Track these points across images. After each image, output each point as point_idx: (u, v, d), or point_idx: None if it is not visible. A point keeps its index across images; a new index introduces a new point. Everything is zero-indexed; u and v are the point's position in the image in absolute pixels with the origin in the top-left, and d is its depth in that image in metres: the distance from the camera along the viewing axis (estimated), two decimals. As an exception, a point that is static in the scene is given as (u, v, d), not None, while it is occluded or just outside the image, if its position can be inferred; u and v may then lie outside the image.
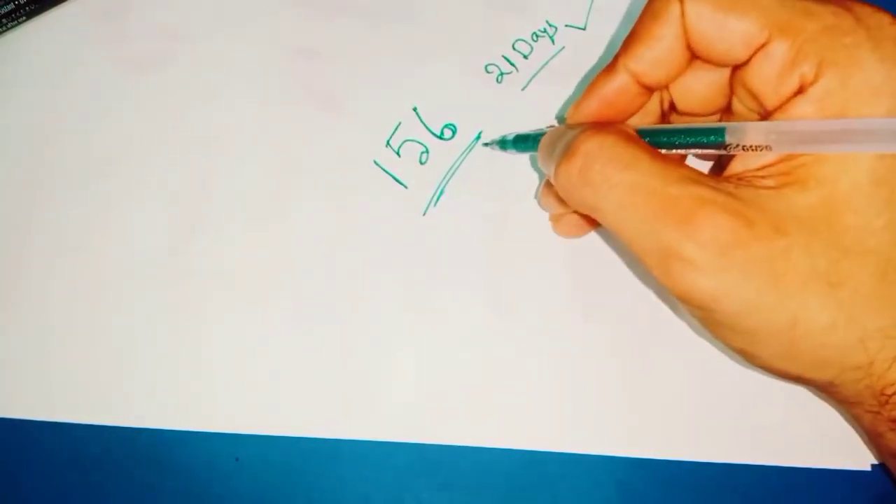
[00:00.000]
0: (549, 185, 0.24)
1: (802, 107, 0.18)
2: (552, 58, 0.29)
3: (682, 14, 0.19)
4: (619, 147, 0.19)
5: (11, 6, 0.28)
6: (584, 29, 0.29)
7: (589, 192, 0.19)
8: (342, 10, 0.29)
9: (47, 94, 0.28)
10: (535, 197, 0.26)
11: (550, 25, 0.29)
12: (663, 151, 0.20)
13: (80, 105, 0.28)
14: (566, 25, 0.29)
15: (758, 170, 0.19)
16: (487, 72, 0.28)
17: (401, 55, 0.28)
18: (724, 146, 0.19)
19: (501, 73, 0.28)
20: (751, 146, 0.18)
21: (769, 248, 0.17)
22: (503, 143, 0.26)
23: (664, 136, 0.20)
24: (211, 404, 0.24)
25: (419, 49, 0.29)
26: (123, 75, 0.28)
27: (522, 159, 0.27)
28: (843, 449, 0.24)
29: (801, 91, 0.18)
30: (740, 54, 0.19)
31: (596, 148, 0.19)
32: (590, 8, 0.29)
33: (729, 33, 0.19)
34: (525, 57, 0.29)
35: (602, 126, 0.20)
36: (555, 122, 0.27)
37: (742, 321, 0.18)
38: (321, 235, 0.26)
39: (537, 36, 0.29)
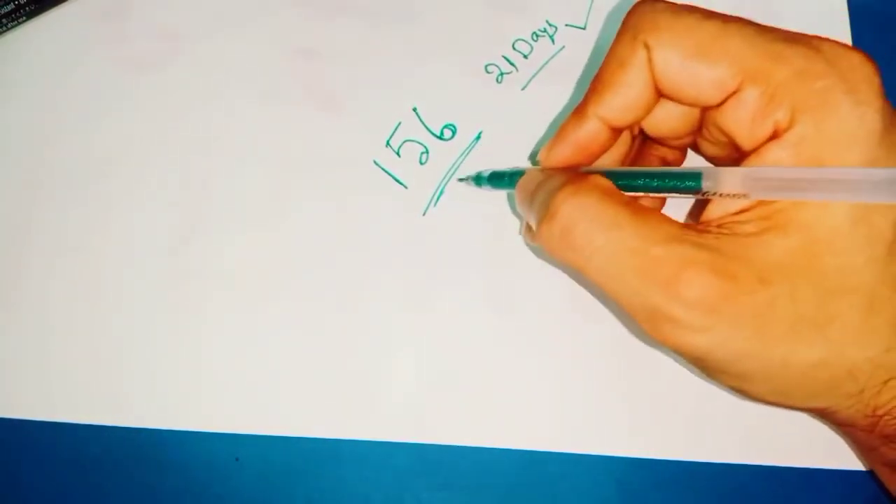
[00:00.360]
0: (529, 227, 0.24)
1: (777, 152, 0.18)
2: (552, 57, 0.29)
3: (650, 60, 0.19)
4: (600, 207, 0.19)
5: (11, 6, 0.28)
6: (584, 28, 0.29)
7: (572, 255, 0.19)
8: (342, 10, 0.29)
9: (47, 94, 0.28)
10: (520, 234, 0.26)
11: (550, 25, 0.29)
12: (639, 194, 0.20)
13: (80, 105, 0.28)
14: (566, 25, 0.29)
15: (737, 214, 0.19)
16: (487, 72, 0.28)
17: (401, 55, 0.28)
18: (700, 192, 0.19)
19: (501, 73, 0.28)
20: (727, 193, 0.18)
21: (755, 300, 0.17)
22: (478, 180, 0.25)
23: (640, 180, 0.20)
24: (211, 404, 0.24)
25: (419, 49, 0.29)
26: (124, 75, 0.28)
27: (522, 159, 0.27)
28: (841, 449, 0.24)
29: (775, 136, 0.18)
30: (712, 100, 0.19)
31: (577, 210, 0.19)
32: (590, 8, 0.29)
33: (699, 80, 0.19)
34: (525, 57, 0.29)
35: (580, 181, 0.20)
36: (528, 163, 0.27)
37: (733, 367, 0.18)
38: (321, 235, 0.26)
39: (537, 36, 0.29)
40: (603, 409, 0.24)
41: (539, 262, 0.26)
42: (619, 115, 0.20)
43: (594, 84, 0.21)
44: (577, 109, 0.21)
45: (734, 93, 0.18)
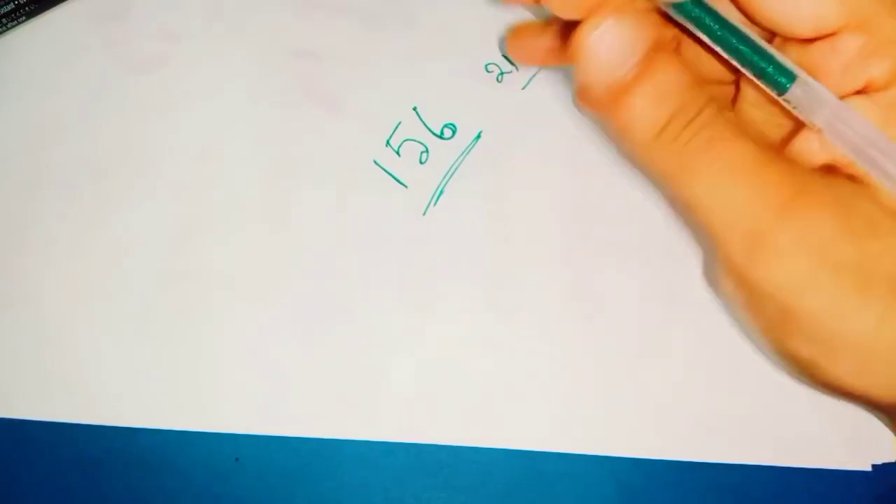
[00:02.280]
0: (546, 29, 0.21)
1: (865, 108, 0.16)
2: (552, 57, 0.29)
3: None
4: (725, 120, 0.17)
5: (11, 6, 0.28)
6: (584, 28, 0.29)
7: (675, 156, 0.17)
8: (342, 11, 0.29)
9: (46, 94, 0.28)
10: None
11: (551, 25, 0.29)
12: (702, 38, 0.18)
13: (79, 105, 0.28)
14: (566, 25, 0.29)
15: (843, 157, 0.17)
16: (488, 71, 0.28)
17: (401, 55, 0.28)
18: (776, 91, 0.17)
19: (502, 73, 0.28)
20: (804, 116, 0.16)
21: (864, 250, 0.16)
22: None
23: (733, 38, 0.17)
24: (211, 404, 0.24)
25: (419, 48, 0.29)
26: (123, 75, 0.28)
27: (523, 159, 0.27)
28: (843, 449, 0.24)
29: (865, 90, 0.17)
30: (802, 33, 0.17)
31: (709, 116, 0.16)
32: (590, 7, 0.29)
33: (797, 9, 0.17)
34: (525, 56, 0.29)
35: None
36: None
37: (821, 325, 0.17)
38: (321, 235, 0.26)
39: (537, 35, 0.29)
40: (603, 409, 0.24)
41: (539, 262, 0.26)
42: None
43: None
44: None
45: (832, 34, 0.17)
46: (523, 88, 0.28)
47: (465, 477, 0.24)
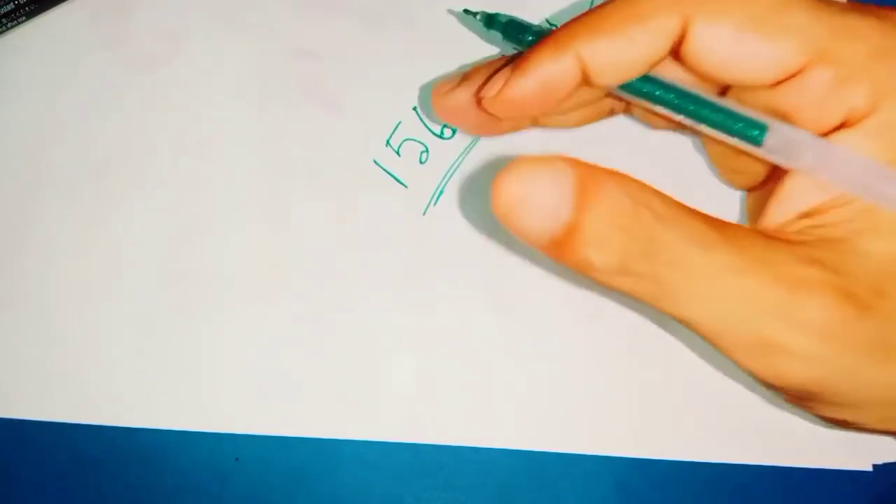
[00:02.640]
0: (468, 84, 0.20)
1: (854, 140, 0.15)
2: (552, 57, 0.29)
3: (683, 32, 0.16)
4: (685, 219, 0.15)
5: (11, 6, 0.28)
6: (584, 28, 0.29)
7: (653, 269, 0.15)
8: (342, 11, 0.29)
9: (47, 94, 0.28)
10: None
11: (551, 25, 0.29)
12: (659, 109, 0.18)
13: (79, 105, 0.28)
14: (566, 25, 0.29)
15: (808, 217, 0.16)
16: (487, 71, 0.28)
17: (401, 54, 0.28)
18: (755, 143, 0.16)
19: (501, 73, 0.28)
20: (788, 161, 0.16)
21: (877, 319, 0.15)
22: (489, 21, 0.22)
23: (691, 105, 0.17)
24: (211, 404, 0.24)
25: (419, 48, 0.29)
26: (124, 75, 0.28)
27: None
28: (843, 449, 0.24)
29: (846, 124, 0.16)
30: (764, 79, 0.16)
31: (673, 226, 0.15)
32: (590, 7, 0.29)
33: (753, 58, 0.16)
34: (525, 56, 0.29)
35: (605, 175, 0.15)
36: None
37: (849, 397, 0.16)
38: (321, 235, 0.26)
39: (537, 35, 0.29)
40: (603, 409, 0.24)
41: (539, 262, 0.26)
42: (603, 66, 0.17)
43: (588, 20, 0.17)
44: (553, 40, 0.17)
45: (796, 73, 0.16)
46: (523, 88, 0.28)
47: (465, 477, 0.24)
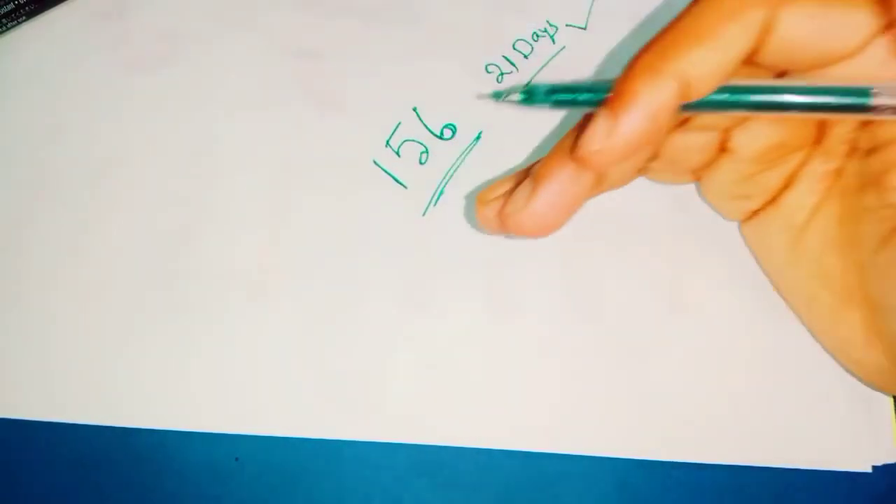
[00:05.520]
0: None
1: None
2: (552, 57, 0.29)
3: (770, 21, 0.16)
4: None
5: (11, 6, 0.28)
6: (584, 29, 0.29)
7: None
8: (342, 11, 0.29)
9: (47, 95, 0.28)
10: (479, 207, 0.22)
11: (551, 25, 0.29)
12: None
13: (79, 105, 0.28)
14: (567, 25, 0.29)
15: None
16: (488, 72, 0.28)
17: (401, 55, 0.28)
18: (866, 108, 0.16)
19: (502, 73, 0.28)
20: None
21: None
22: (531, 96, 0.20)
23: (791, 95, 0.17)
24: (211, 404, 0.24)
25: (419, 49, 0.29)
26: (123, 76, 0.28)
27: (523, 159, 0.27)
28: (843, 450, 0.24)
29: None
30: (849, 49, 0.17)
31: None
32: (591, 7, 0.29)
33: (841, 29, 0.16)
34: (525, 57, 0.29)
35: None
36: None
37: None
38: (320, 235, 0.26)
39: (538, 35, 0.29)
40: (603, 409, 0.24)
41: (539, 262, 0.26)
42: (704, 78, 0.16)
43: (677, 34, 0.16)
44: (645, 66, 0.16)
45: (870, 40, 0.16)
46: (523, 89, 0.28)
47: (465, 477, 0.24)
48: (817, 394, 0.24)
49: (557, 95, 0.19)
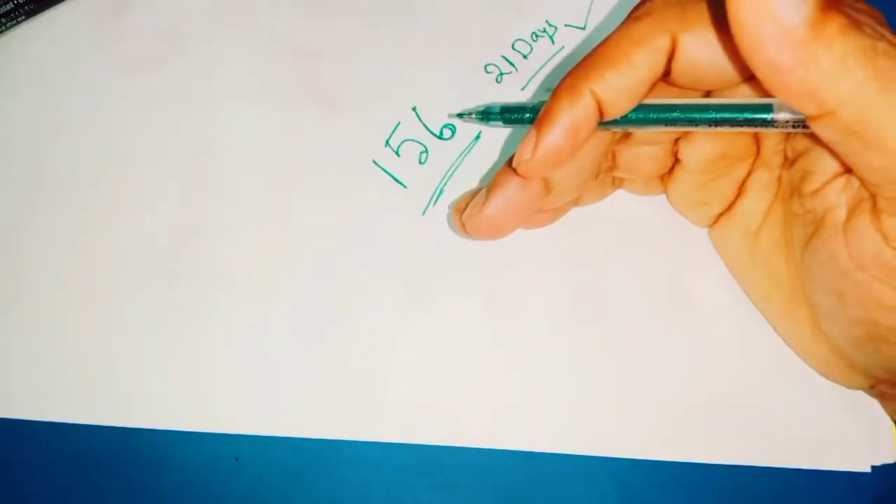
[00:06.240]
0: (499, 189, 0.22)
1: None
2: (552, 57, 0.29)
3: (673, 46, 0.18)
4: None
5: (10, 6, 0.28)
6: (583, 28, 0.29)
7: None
8: (342, 11, 0.29)
9: (46, 94, 0.28)
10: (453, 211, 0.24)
11: (550, 25, 0.29)
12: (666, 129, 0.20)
13: (78, 105, 0.28)
14: (566, 25, 0.29)
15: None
16: (487, 72, 0.28)
17: (400, 55, 0.28)
18: (768, 123, 0.18)
19: (501, 73, 0.28)
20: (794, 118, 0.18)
21: None
22: (485, 115, 0.24)
23: (707, 113, 0.19)
24: (211, 404, 0.24)
25: (419, 49, 0.29)
26: (123, 75, 0.28)
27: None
28: (842, 450, 0.24)
29: None
30: (747, 73, 0.19)
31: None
32: (590, 7, 0.29)
33: (735, 56, 0.18)
34: (525, 57, 0.29)
35: None
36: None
37: None
38: (320, 235, 0.26)
39: (537, 35, 0.29)
40: (603, 409, 0.24)
41: (539, 262, 0.26)
42: (617, 96, 0.19)
43: (592, 59, 0.19)
44: (566, 87, 0.19)
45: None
46: (522, 89, 0.28)
47: (465, 477, 0.24)
48: (818, 394, 0.24)
49: (507, 115, 0.23)
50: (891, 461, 0.23)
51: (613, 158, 0.23)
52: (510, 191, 0.21)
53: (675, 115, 0.19)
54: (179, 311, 0.25)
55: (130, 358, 0.25)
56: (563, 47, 0.29)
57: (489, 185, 0.22)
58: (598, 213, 0.26)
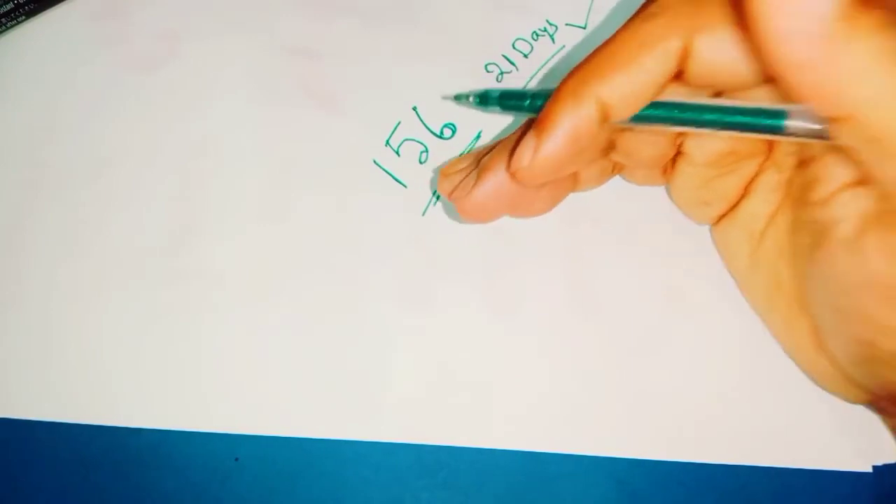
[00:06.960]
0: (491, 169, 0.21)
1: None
2: (552, 57, 0.29)
3: (686, 49, 0.17)
4: None
5: (10, 5, 0.28)
6: (584, 28, 0.29)
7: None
8: (342, 10, 0.29)
9: (47, 94, 0.28)
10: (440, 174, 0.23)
11: (551, 24, 0.29)
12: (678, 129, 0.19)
13: (78, 105, 0.28)
14: (567, 24, 0.29)
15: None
16: (487, 71, 0.28)
17: (401, 54, 0.28)
18: (780, 130, 0.17)
19: (501, 73, 0.28)
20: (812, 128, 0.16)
21: None
22: (484, 99, 0.23)
23: (710, 114, 0.18)
24: (210, 404, 0.24)
25: (419, 48, 0.29)
26: (123, 75, 0.28)
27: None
28: (843, 450, 0.24)
29: None
30: (765, 74, 0.17)
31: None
32: (590, 7, 0.29)
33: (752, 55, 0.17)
34: (525, 56, 0.29)
35: None
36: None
37: None
38: (320, 235, 0.26)
39: (537, 35, 0.29)
40: (603, 409, 0.24)
41: (539, 262, 0.26)
42: (623, 101, 0.18)
43: (597, 61, 0.18)
44: (568, 90, 0.18)
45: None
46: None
47: (465, 477, 0.24)
48: (818, 394, 0.24)
49: (506, 101, 0.22)
50: (892, 461, 0.23)
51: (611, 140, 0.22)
52: (500, 176, 0.20)
53: (681, 116, 0.18)
54: (179, 311, 0.25)
55: (130, 357, 0.25)
56: (563, 46, 0.29)
57: (480, 167, 0.21)
58: (598, 213, 0.26)
